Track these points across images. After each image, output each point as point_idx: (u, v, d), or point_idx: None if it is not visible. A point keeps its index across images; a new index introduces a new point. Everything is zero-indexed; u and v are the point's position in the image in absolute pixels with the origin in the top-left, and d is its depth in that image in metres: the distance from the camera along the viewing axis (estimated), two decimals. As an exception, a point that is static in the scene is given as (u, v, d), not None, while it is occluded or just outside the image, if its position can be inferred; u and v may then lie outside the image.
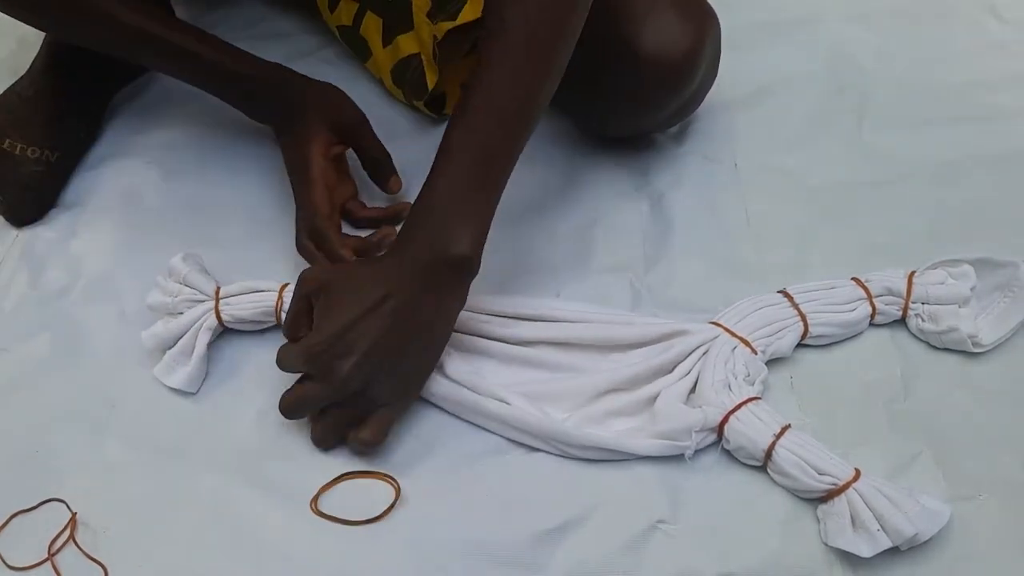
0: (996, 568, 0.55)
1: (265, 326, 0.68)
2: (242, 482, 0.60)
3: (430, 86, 0.78)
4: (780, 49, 0.93)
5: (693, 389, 0.62)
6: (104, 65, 0.82)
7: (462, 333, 0.66)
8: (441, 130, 0.83)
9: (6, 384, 0.66)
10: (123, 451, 0.62)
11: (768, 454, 0.58)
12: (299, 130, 0.72)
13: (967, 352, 0.65)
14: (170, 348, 0.65)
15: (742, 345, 0.63)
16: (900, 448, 0.61)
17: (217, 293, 0.67)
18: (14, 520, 0.58)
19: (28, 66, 0.82)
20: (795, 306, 0.66)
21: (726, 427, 0.59)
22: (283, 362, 0.59)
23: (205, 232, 0.76)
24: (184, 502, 0.59)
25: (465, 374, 0.63)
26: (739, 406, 0.59)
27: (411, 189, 0.78)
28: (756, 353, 0.63)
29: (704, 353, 0.63)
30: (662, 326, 0.65)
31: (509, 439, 0.62)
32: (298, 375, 0.60)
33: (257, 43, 0.93)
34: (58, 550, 0.57)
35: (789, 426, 0.59)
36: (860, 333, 0.67)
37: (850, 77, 0.89)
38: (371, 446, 0.59)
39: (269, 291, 0.67)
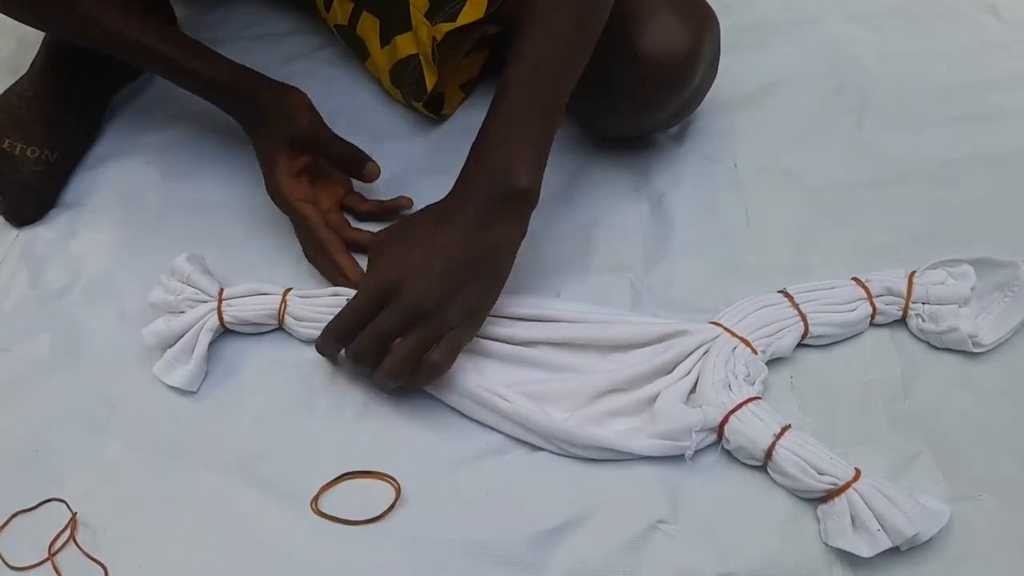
0: (996, 568, 0.55)
1: (266, 329, 0.68)
2: (242, 482, 0.60)
3: (429, 87, 0.78)
4: (780, 49, 0.93)
5: (693, 389, 0.62)
6: (104, 65, 0.82)
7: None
8: (441, 130, 0.84)
9: (6, 384, 0.66)
10: (123, 451, 0.62)
11: (768, 454, 0.58)
12: (260, 145, 0.72)
13: (967, 352, 0.65)
14: (170, 346, 0.65)
15: (742, 345, 0.63)
16: (900, 448, 0.61)
17: (220, 294, 0.67)
18: (14, 520, 0.58)
19: (28, 66, 0.82)
20: (795, 306, 0.66)
21: (726, 427, 0.59)
22: (355, 299, 0.60)
23: (205, 232, 0.76)
24: (184, 502, 0.59)
25: (468, 371, 0.63)
26: (739, 406, 0.59)
27: (412, 189, 0.78)
28: (756, 353, 0.63)
29: (704, 353, 0.63)
30: (662, 326, 0.65)
31: (510, 437, 0.62)
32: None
33: (256, 43, 0.94)
34: (58, 550, 0.57)
35: (789, 426, 0.59)
36: (860, 333, 0.67)
37: (850, 77, 0.89)
38: (441, 370, 0.59)
39: (273, 294, 0.67)
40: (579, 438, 0.59)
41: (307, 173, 0.73)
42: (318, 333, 0.66)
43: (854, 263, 0.70)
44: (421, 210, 0.63)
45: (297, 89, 0.73)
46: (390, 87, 0.85)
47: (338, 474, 0.60)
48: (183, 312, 0.66)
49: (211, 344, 0.66)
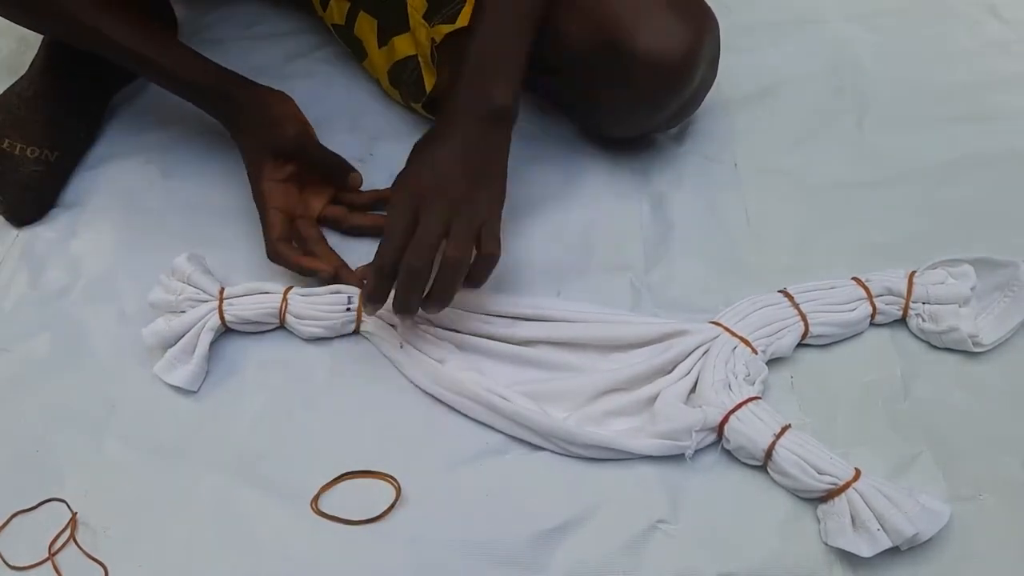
0: (996, 568, 0.56)
1: (268, 328, 0.68)
2: (242, 482, 0.60)
3: (428, 88, 0.78)
4: (780, 49, 0.93)
5: (693, 389, 0.62)
6: (104, 65, 0.81)
7: (462, 333, 0.66)
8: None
9: (6, 384, 0.66)
10: (123, 451, 0.62)
11: (768, 454, 0.58)
12: (245, 151, 0.73)
13: (967, 352, 0.65)
14: (171, 346, 0.65)
15: (742, 345, 0.63)
16: (900, 448, 0.61)
17: (221, 294, 0.67)
18: (14, 520, 0.58)
19: (28, 66, 0.82)
20: (795, 306, 0.66)
21: (726, 427, 0.59)
22: (390, 223, 0.62)
23: (204, 232, 0.76)
24: (184, 502, 0.59)
25: (468, 370, 0.63)
26: (739, 406, 0.59)
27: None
28: (756, 353, 0.63)
29: (704, 353, 0.63)
30: (662, 326, 0.65)
31: (510, 437, 0.62)
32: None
33: (256, 43, 0.94)
34: (58, 550, 0.57)
35: (789, 426, 0.59)
36: (860, 333, 0.67)
37: (850, 77, 0.89)
38: (496, 256, 0.62)
39: (274, 293, 0.67)
40: (579, 437, 0.59)
41: (294, 180, 0.73)
42: (320, 331, 0.67)
43: (854, 263, 0.70)
44: (418, 141, 0.66)
45: (285, 95, 0.74)
46: (388, 87, 0.85)
47: (338, 474, 0.60)
48: (184, 312, 0.66)
49: (212, 343, 0.66)
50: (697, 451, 0.60)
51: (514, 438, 0.62)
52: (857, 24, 0.96)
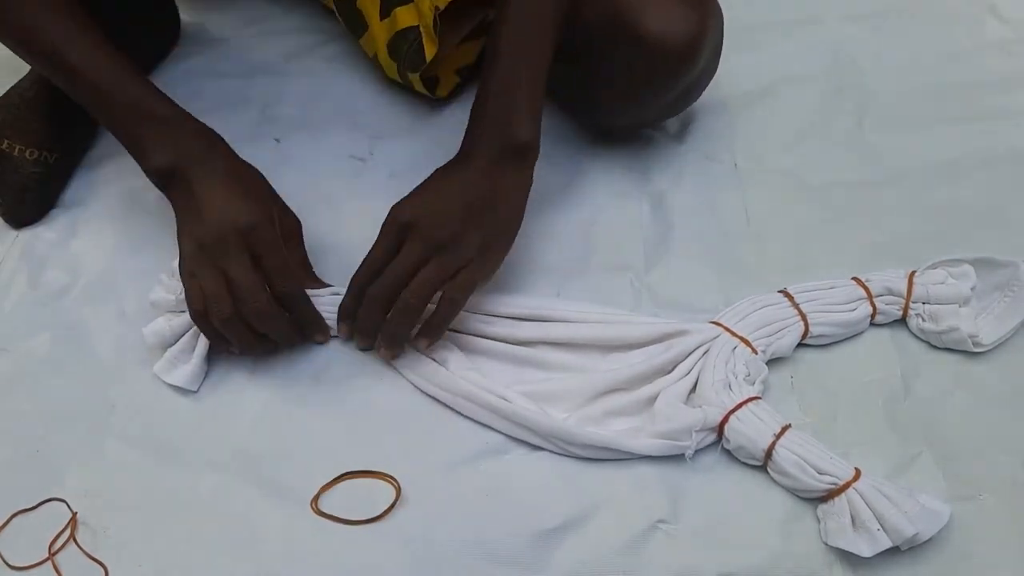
0: (996, 568, 0.56)
1: (266, 326, 0.68)
2: (242, 482, 0.60)
3: (428, 58, 0.77)
4: (780, 49, 0.93)
5: (693, 389, 0.62)
6: None
7: (462, 333, 0.66)
8: (440, 130, 0.84)
9: (6, 384, 0.66)
10: (123, 451, 0.62)
11: (768, 454, 0.58)
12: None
13: (967, 352, 0.65)
14: (171, 346, 0.65)
15: (742, 345, 0.63)
16: (900, 448, 0.61)
17: (218, 293, 0.67)
18: (15, 520, 0.58)
19: (29, 66, 0.81)
20: (795, 306, 0.66)
21: (726, 427, 0.59)
22: (375, 244, 0.62)
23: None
24: (184, 502, 0.59)
25: (468, 371, 0.63)
26: (739, 406, 0.59)
27: (411, 187, 0.78)
28: (756, 353, 0.63)
29: (704, 353, 0.63)
30: (662, 326, 0.65)
31: (510, 437, 0.62)
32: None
33: (256, 41, 0.94)
34: (58, 550, 0.57)
35: (789, 426, 0.59)
36: (860, 333, 0.67)
37: (850, 77, 0.89)
38: (456, 306, 0.62)
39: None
40: (579, 438, 0.59)
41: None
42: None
43: (854, 263, 0.70)
44: (431, 174, 0.66)
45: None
46: (386, 60, 0.83)
47: (338, 474, 0.60)
48: (184, 311, 0.66)
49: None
50: (697, 451, 0.60)
51: (514, 438, 0.62)
52: (857, 24, 0.96)
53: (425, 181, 0.65)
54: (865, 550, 0.53)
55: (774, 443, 0.58)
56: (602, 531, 0.57)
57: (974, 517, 0.57)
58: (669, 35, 0.68)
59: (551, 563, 0.56)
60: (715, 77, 0.76)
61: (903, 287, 0.66)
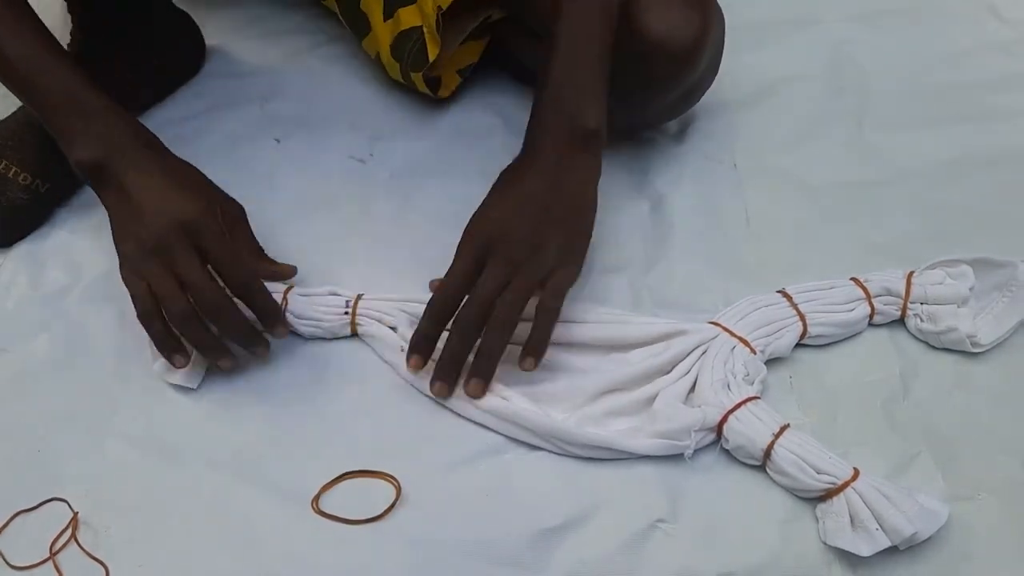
0: (995, 568, 0.56)
1: (266, 327, 0.68)
2: (242, 482, 0.60)
3: (431, 58, 0.77)
4: (780, 49, 0.93)
5: (692, 389, 0.62)
6: (115, 94, 0.79)
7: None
8: (441, 130, 0.84)
9: (6, 384, 0.66)
10: (124, 451, 0.62)
11: (767, 453, 0.58)
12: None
13: (966, 352, 0.65)
14: (170, 347, 0.65)
15: (741, 345, 0.63)
16: (899, 448, 0.61)
17: (219, 293, 0.67)
18: (16, 520, 0.59)
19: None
20: (794, 306, 0.66)
21: (725, 427, 0.59)
22: (453, 269, 0.61)
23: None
24: (184, 502, 0.59)
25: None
26: (738, 406, 0.59)
27: (412, 187, 0.78)
28: (755, 353, 0.63)
29: (703, 353, 0.63)
30: (662, 326, 0.65)
31: (509, 437, 0.62)
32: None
33: (255, 42, 0.94)
34: (59, 550, 0.57)
35: (788, 425, 0.59)
36: (859, 333, 0.67)
37: (850, 77, 0.89)
38: (552, 315, 0.60)
39: (274, 292, 0.67)
40: (579, 438, 0.59)
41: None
42: (319, 331, 0.67)
43: (853, 263, 0.70)
44: (503, 171, 0.64)
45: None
46: (389, 61, 0.83)
47: (338, 474, 0.60)
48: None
49: (211, 344, 0.66)
50: (696, 451, 0.60)
51: (513, 438, 0.62)
52: (857, 24, 0.96)
53: (495, 189, 0.63)
54: (864, 549, 0.53)
55: (773, 443, 0.58)
56: (602, 531, 0.57)
57: (973, 517, 0.57)
58: (671, 37, 0.68)
59: (551, 563, 0.56)
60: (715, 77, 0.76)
61: (901, 287, 0.66)
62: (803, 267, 0.71)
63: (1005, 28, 0.95)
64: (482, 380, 0.61)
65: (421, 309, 0.66)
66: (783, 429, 0.58)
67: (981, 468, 0.60)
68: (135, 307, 0.60)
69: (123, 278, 0.61)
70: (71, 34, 0.81)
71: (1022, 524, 0.57)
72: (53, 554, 0.57)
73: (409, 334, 0.65)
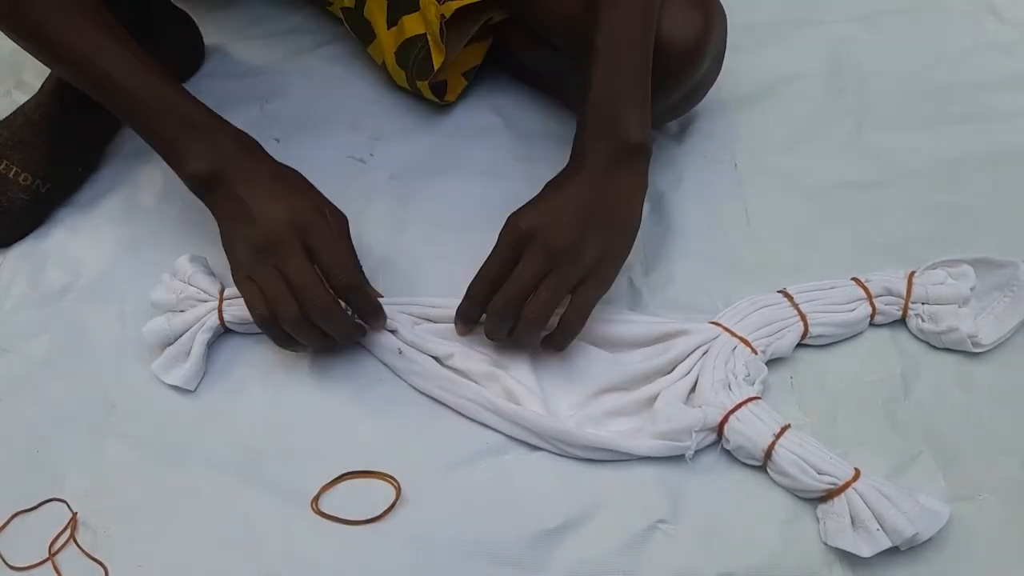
0: (996, 568, 0.56)
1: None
2: (242, 482, 0.60)
3: (436, 66, 0.77)
4: (780, 49, 0.93)
5: (693, 389, 0.62)
6: None
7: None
8: (442, 130, 0.84)
9: (6, 384, 0.66)
10: (123, 451, 0.62)
11: (768, 454, 0.58)
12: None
13: (967, 352, 0.65)
14: (170, 345, 0.65)
15: (742, 345, 0.63)
16: (900, 448, 0.61)
17: (221, 294, 0.67)
18: (15, 520, 0.59)
19: (29, 66, 0.81)
20: (795, 306, 0.66)
21: (726, 427, 0.59)
22: (492, 255, 0.61)
23: (205, 233, 0.75)
24: (184, 502, 0.59)
25: (468, 371, 0.63)
26: (739, 406, 0.59)
27: (413, 188, 0.78)
28: (756, 353, 0.63)
29: (704, 353, 0.63)
30: (662, 326, 0.65)
31: (509, 437, 0.62)
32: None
33: (256, 41, 0.94)
34: (59, 550, 0.57)
35: (789, 426, 0.59)
36: (860, 333, 0.67)
37: (850, 77, 0.89)
38: (573, 330, 0.61)
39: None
40: (579, 438, 0.59)
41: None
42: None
43: (854, 263, 0.70)
44: (545, 185, 0.64)
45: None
46: (394, 68, 0.83)
47: (338, 474, 0.60)
48: (184, 311, 0.66)
49: (212, 344, 0.66)
50: (697, 451, 0.60)
51: (514, 438, 0.62)
52: (857, 24, 0.96)
53: (540, 193, 0.63)
54: (865, 550, 0.53)
55: (773, 443, 0.58)
56: (602, 531, 0.57)
57: (974, 517, 0.57)
58: (673, 38, 0.68)
59: (551, 563, 0.56)
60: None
61: (902, 287, 0.66)
62: (803, 267, 0.71)
63: (1005, 28, 0.95)
64: (520, 347, 0.63)
65: (421, 311, 0.67)
66: (784, 429, 0.58)
67: (982, 468, 0.60)
68: (251, 314, 0.61)
69: (235, 283, 0.62)
70: None
71: (1023, 524, 0.57)
72: (52, 554, 0.57)
73: (409, 337, 0.65)
